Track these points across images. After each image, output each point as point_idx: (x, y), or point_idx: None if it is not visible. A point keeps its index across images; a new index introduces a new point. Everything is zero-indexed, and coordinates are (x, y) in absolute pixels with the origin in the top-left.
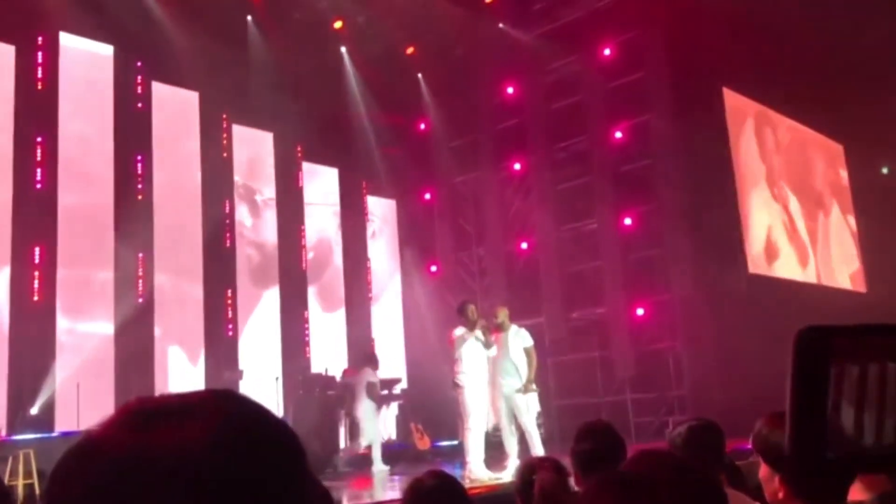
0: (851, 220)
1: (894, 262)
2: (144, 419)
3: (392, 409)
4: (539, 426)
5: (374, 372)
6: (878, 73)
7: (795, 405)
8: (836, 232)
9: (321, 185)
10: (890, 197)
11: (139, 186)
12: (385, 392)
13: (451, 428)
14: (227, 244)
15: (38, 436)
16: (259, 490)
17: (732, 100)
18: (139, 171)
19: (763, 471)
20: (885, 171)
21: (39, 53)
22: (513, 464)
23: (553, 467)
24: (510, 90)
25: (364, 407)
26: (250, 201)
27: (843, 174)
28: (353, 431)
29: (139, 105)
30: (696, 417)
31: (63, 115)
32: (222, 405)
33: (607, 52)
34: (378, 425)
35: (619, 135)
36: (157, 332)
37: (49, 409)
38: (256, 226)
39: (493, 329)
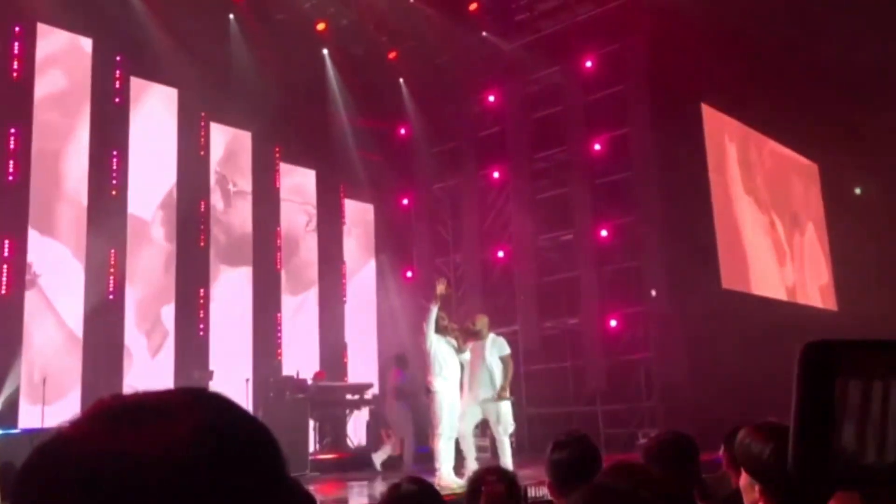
0: (824, 238)
1: (865, 281)
2: (120, 418)
3: (363, 414)
4: (511, 437)
5: (403, 373)
6: (854, 94)
7: (800, 419)
8: (809, 250)
9: (298, 186)
10: (862, 217)
11: (113, 181)
12: (356, 397)
13: (422, 434)
14: (202, 244)
15: (1, 432)
16: (240, 493)
17: (711, 116)
18: (114, 166)
19: (743, 480)
20: (857, 191)
21: (16, 43)
22: (470, 471)
23: (501, 478)
24: (491, 98)
25: (395, 408)
26: (226, 197)
27: (818, 193)
28: (384, 430)
29: (117, 99)
30: (671, 430)
31: (38, 106)
32: (203, 405)
33: (589, 63)
34: (410, 426)
35: (598, 146)
36: (127, 329)
37: (13, 404)
38: (230, 223)
39: (471, 336)
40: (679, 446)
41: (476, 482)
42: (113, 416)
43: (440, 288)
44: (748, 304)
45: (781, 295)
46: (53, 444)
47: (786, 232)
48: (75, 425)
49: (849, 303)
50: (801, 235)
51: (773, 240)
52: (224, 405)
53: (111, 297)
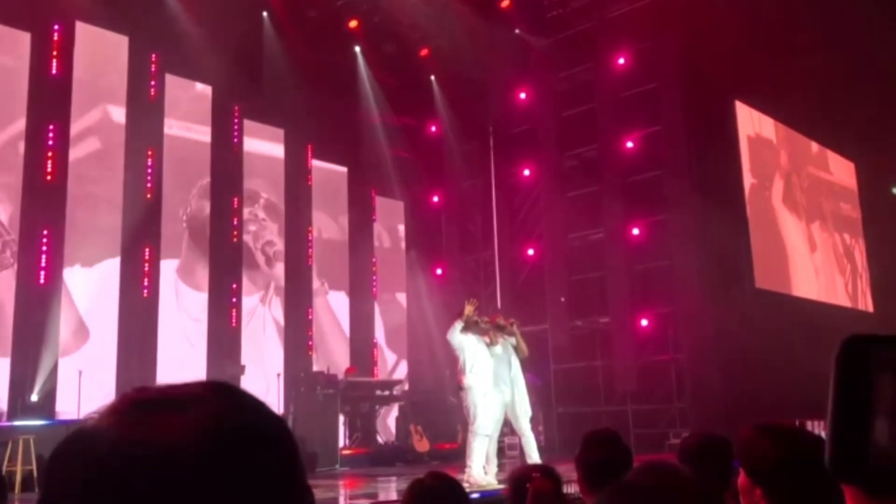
0: (860, 238)
1: None
2: (141, 409)
3: (392, 410)
4: (538, 433)
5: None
6: (891, 92)
7: (837, 414)
8: (844, 250)
9: (330, 183)
10: None
11: (148, 184)
12: (386, 393)
13: (451, 431)
14: (235, 239)
15: (39, 422)
16: (250, 484)
17: (746, 113)
18: (149, 163)
19: (742, 481)
20: (895, 190)
21: (55, 41)
22: (492, 470)
23: (546, 474)
24: (522, 96)
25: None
26: (258, 196)
27: (854, 192)
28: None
29: (152, 96)
30: (708, 431)
31: (76, 103)
32: (219, 397)
33: (621, 61)
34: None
35: (630, 144)
36: (161, 322)
37: (50, 395)
38: (263, 221)
39: (502, 332)
40: (715, 447)
41: (520, 480)
42: (134, 408)
43: (469, 309)
44: (781, 304)
45: (815, 295)
46: (77, 435)
47: (821, 231)
48: (100, 417)
49: (884, 303)
50: (837, 235)
51: (808, 239)
52: (240, 396)
53: (146, 291)
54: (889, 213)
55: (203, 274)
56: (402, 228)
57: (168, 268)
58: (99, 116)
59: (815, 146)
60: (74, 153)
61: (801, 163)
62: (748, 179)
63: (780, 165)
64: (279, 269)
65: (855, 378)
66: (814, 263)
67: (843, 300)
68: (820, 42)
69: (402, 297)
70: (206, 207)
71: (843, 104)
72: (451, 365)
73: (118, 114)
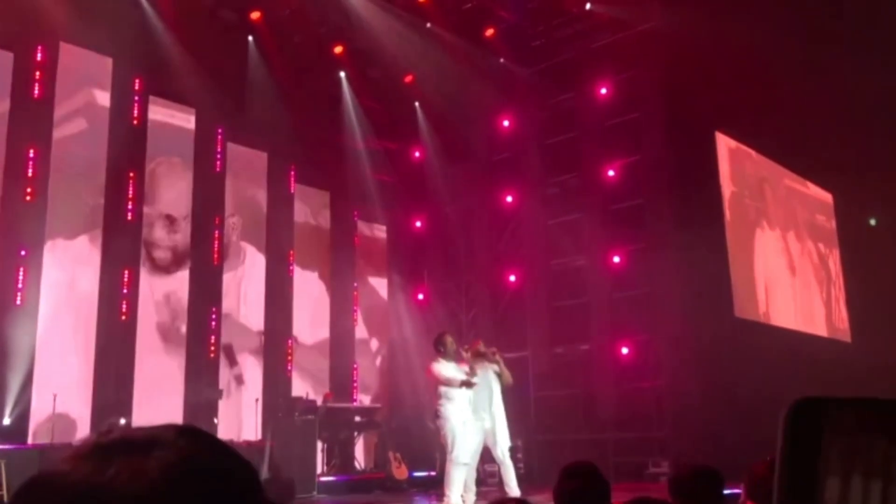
0: (839, 269)
1: (880, 313)
2: (103, 453)
3: (371, 437)
4: (517, 461)
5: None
6: (870, 125)
7: (782, 480)
8: (823, 280)
9: (311, 207)
10: (877, 248)
11: (129, 206)
12: (365, 419)
13: (430, 458)
14: (215, 263)
15: (11, 447)
16: None
17: (726, 144)
18: (130, 187)
19: None
20: (872, 222)
21: (38, 61)
22: (470, 499)
23: None
24: (506, 123)
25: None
26: (239, 216)
27: (832, 224)
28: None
29: (135, 119)
30: (699, 463)
31: (58, 125)
32: (183, 440)
33: (604, 91)
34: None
35: (611, 172)
36: (139, 349)
37: (23, 419)
38: (243, 242)
39: (481, 358)
40: (707, 480)
41: None
42: (96, 453)
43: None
44: (761, 333)
45: (794, 325)
46: (38, 481)
47: (799, 261)
48: (62, 461)
49: (862, 334)
50: (815, 265)
51: (787, 269)
52: (202, 440)
53: (124, 317)
54: (867, 245)
55: (182, 296)
56: (384, 252)
57: (149, 288)
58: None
59: (793, 176)
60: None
61: (779, 176)
62: (728, 208)
63: (758, 194)
64: (260, 291)
65: (804, 439)
66: (793, 288)
67: (820, 329)
68: (800, 74)
69: (383, 321)
70: (188, 233)
71: (822, 136)
72: (430, 391)
73: (101, 134)
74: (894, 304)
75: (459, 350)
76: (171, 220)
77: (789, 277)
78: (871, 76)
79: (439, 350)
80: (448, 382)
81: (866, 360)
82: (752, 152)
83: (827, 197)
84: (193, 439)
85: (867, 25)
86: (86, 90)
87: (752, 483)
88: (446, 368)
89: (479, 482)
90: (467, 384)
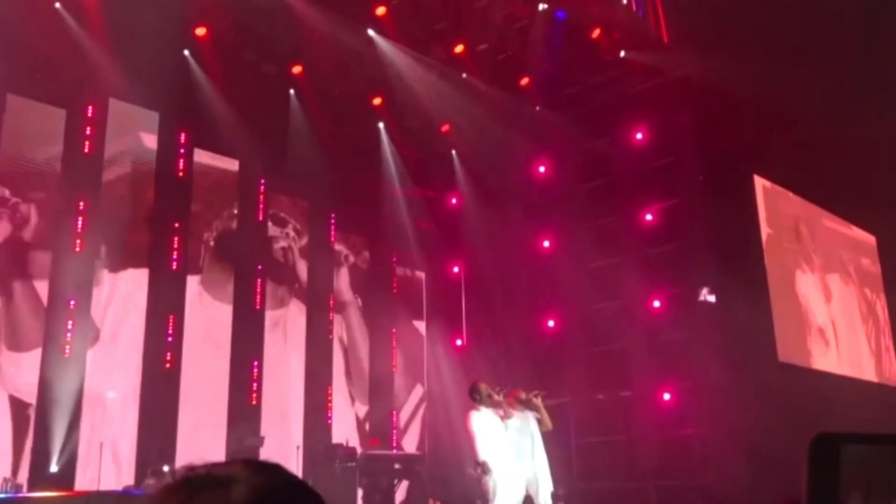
0: (884, 311)
1: None
2: (189, 488)
3: (411, 484)
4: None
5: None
6: None
7: None
8: (869, 323)
9: (351, 255)
10: None
11: (174, 251)
12: (405, 466)
13: None
14: (258, 307)
15: (57, 494)
16: None
17: (765, 188)
18: (175, 238)
19: None
20: None
21: (88, 119)
22: None
23: None
24: (542, 169)
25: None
26: (282, 264)
27: (876, 265)
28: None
29: (181, 171)
30: None
31: (107, 179)
32: (260, 475)
33: (639, 136)
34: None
35: (649, 217)
36: (182, 394)
37: (70, 466)
38: (286, 292)
39: (521, 405)
40: None
41: None
42: (184, 486)
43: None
44: (806, 378)
45: (840, 369)
46: None
47: (843, 304)
48: (157, 493)
49: None
50: (861, 309)
51: (831, 312)
52: (280, 474)
53: (168, 364)
54: None
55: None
56: (422, 299)
57: (191, 340)
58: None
59: (834, 218)
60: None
61: (818, 218)
62: (768, 252)
63: (799, 237)
64: (301, 338)
65: (825, 472)
66: (838, 331)
67: (869, 374)
68: (837, 114)
69: (422, 368)
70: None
71: (861, 177)
72: (470, 439)
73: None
74: None
75: (492, 394)
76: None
77: (834, 320)
78: None
79: (474, 398)
80: (478, 453)
81: None
82: (790, 194)
83: (870, 239)
84: (269, 474)
85: None
86: (134, 144)
87: None
88: (483, 422)
89: None
90: (484, 469)
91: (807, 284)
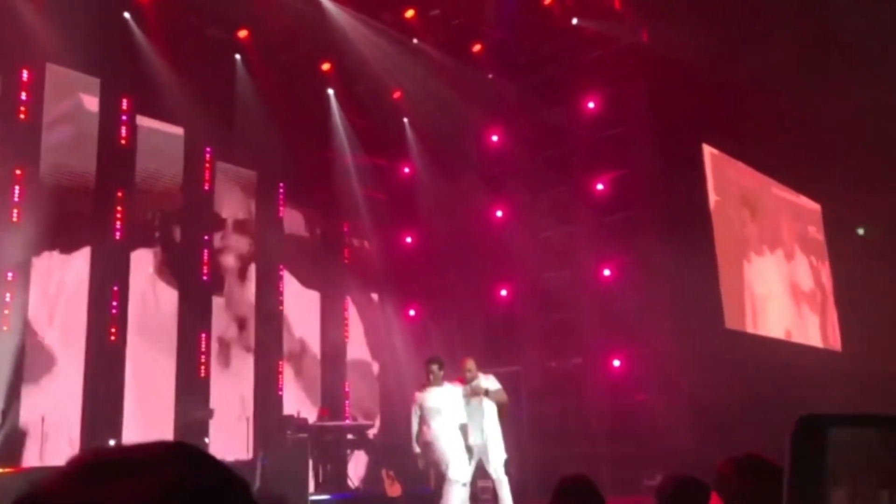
0: (828, 278)
1: (869, 321)
2: (96, 473)
3: (364, 454)
4: (511, 476)
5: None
6: (856, 135)
7: (792, 490)
8: (813, 290)
9: (301, 225)
10: (865, 257)
11: (117, 220)
12: (357, 437)
13: (424, 475)
14: (206, 278)
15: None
16: None
17: (713, 156)
18: (118, 205)
19: None
20: (860, 231)
21: (24, 83)
22: None
23: None
24: (494, 138)
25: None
26: (229, 235)
27: (820, 233)
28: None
29: (123, 139)
30: (686, 474)
31: (45, 146)
32: (177, 460)
33: (591, 104)
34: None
35: (601, 186)
36: (128, 368)
37: (15, 442)
38: (233, 261)
39: (463, 380)
40: (692, 490)
41: None
42: (89, 472)
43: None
44: (751, 344)
45: (784, 335)
46: (36, 496)
47: (789, 272)
48: (54, 480)
49: (853, 343)
50: (806, 276)
51: (776, 279)
52: (199, 459)
53: (113, 337)
54: (856, 254)
55: (171, 313)
56: (374, 269)
57: (136, 312)
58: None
59: (780, 187)
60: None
61: (766, 186)
62: (716, 220)
63: (746, 205)
64: (250, 312)
65: (808, 455)
66: (782, 298)
67: (813, 338)
68: (786, 85)
69: (374, 338)
70: (177, 247)
71: (809, 147)
72: (422, 410)
73: (90, 154)
74: (884, 313)
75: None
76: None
77: (779, 287)
78: (857, 86)
79: (431, 371)
80: (411, 432)
81: (857, 369)
82: (739, 163)
83: (816, 207)
84: (186, 457)
85: (852, 38)
86: (73, 110)
87: (718, 481)
88: (434, 398)
89: (474, 498)
90: (417, 451)
91: (753, 251)
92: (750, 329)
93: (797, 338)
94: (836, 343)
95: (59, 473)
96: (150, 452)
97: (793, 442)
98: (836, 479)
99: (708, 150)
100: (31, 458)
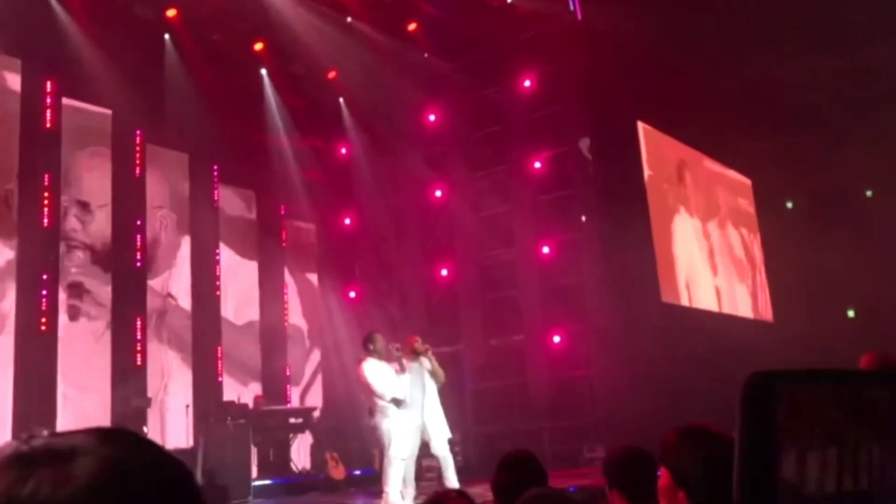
0: (759, 251)
1: (799, 292)
2: (23, 463)
3: (307, 438)
4: (456, 453)
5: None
6: (784, 110)
7: (744, 450)
8: (744, 263)
9: (237, 208)
10: (794, 230)
11: (45, 207)
12: (299, 421)
13: (367, 457)
14: (139, 265)
15: None
16: None
17: (648, 134)
18: (45, 191)
19: (665, 483)
20: (789, 205)
21: None
22: (410, 493)
23: (461, 497)
24: (432, 117)
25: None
26: (161, 219)
27: (751, 207)
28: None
29: (48, 123)
30: (632, 446)
31: None
32: (108, 445)
33: (527, 83)
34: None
35: (538, 164)
36: (61, 359)
37: None
38: (166, 246)
39: (412, 356)
40: (639, 461)
41: (437, 502)
42: (15, 463)
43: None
44: (687, 317)
45: (718, 307)
46: None
47: (721, 245)
48: None
49: (784, 314)
50: (738, 248)
51: (709, 253)
52: (130, 443)
53: (44, 326)
54: (785, 227)
55: (105, 300)
56: (314, 251)
57: (67, 294)
58: None
59: (713, 163)
60: None
61: (698, 160)
62: (651, 197)
63: (680, 181)
64: (186, 298)
65: (759, 414)
66: (715, 271)
67: (745, 311)
68: (716, 63)
69: (314, 321)
70: (108, 233)
71: (740, 123)
72: (365, 390)
73: (12, 139)
74: (812, 284)
75: (389, 348)
76: (88, 217)
77: (712, 261)
78: (787, 64)
79: (368, 349)
80: (380, 397)
81: (789, 340)
82: (672, 139)
83: (746, 182)
84: (119, 442)
85: (779, 12)
86: None
87: (663, 453)
88: (376, 371)
89: (419, 477)
90: (396, 402)
91: (686, 226)
92: (685, 302)
93: (730, 309)
94: (767, 314)
95: None
96: (79, 440)
97: (743, 400)
98: (787, 435)
99: (642, 126)
100: None
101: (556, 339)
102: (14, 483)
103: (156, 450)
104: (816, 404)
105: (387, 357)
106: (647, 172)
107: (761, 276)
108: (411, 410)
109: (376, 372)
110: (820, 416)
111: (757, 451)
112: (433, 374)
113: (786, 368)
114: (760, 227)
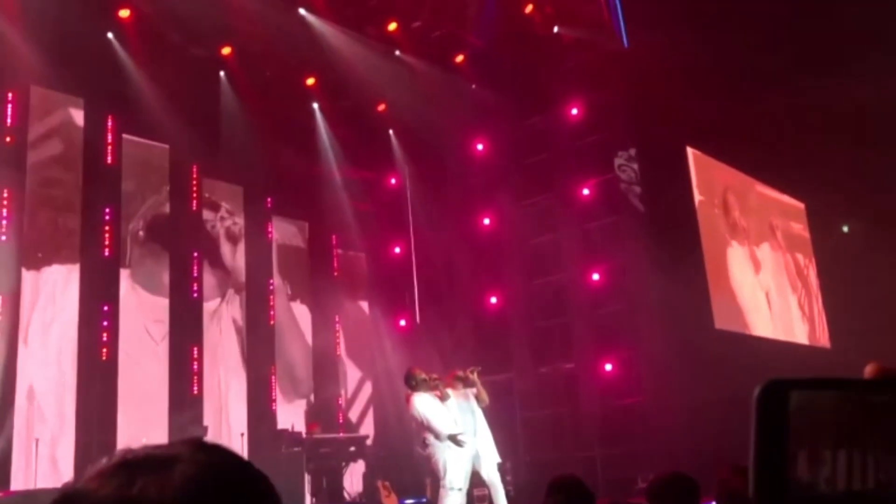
0: (814, 276)
1: (856, 317)
2: (128, 470)
3: (359, 466)
4: (507, 482)
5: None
6: (839, 133)
7: (756, 455)
8: (800, 288)
9: (290, 239)
10: (850, 254)
11: (106, 241)
12: (352, 449)
13: (419, 485)
14: (195, 295)
15: None
16: None
17: (698, 159)
18: (106, 226)
19: None
20: (845, 229)
21: (9, 107)
22: None
23: None
24: (480, 147)
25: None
26: (220, 250)
27: (806, 233)
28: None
29: (109, 158)
30: (674, 471)
31: (31, 169)
32: (203, 454)
33: (574, 111)
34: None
35: (586, 192)
36: (120, 385)
37: (3, 466)
38: (223, 277)
39: (462, 383)
40: (681, 487)
41: None
42: (122, 469)
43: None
44: (742, 343)
45: (774, 333)
46: (71, 495)
47: (776, 270)
48: (88, 480)
49: (841, 340)
50: (793, 273)
51: (763, 278)
52: (222, 453)
53: (104, 357)
54: (841, 251)
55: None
56: (364, 280)
57: (127, 330)
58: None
59: (765, 187)
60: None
61: (749, 186)
62: (702, 222)
63: (732, 206)
64: (241, 323)
65: (771, 418)
66: (771, 296)
67: (801, 337)
68: (766, 87)
69: (366, 349)
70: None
71: (792, 146)
72: (417, 425)
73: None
74: (870, 308)
75: (427, 378)
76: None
77: (767, 286)
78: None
79: (411, 385)
80: (437, 435)
81: (846, 364)
82: (723, 165)
83: (800, 206)
84: (212, 451)
85: (831, 39)
86: (59, 132)
87: (720, 488)
88: (428, 406)
89: None
90: (455, 440)
91: (739, 251)
92: (739, 329)
93: (786, 335)
94: (824, 340)
95: (92, 474)
96: (177, 449)
97: (757, 407)
98: (798, 441)
99: (691, 152)
100: (24, 481)
101: (608, 366)
102: (122, 486)
103: (243, 461)
104: (825, 410)
105: (429, 388)
106: (697, 198)
107: (818, 302)
108: (465, 438)
109: (428, 407)
110: (828, 421)
111: (769, 455)
112: (478, 397)
113: (797, 376)
114: (815, 251)
